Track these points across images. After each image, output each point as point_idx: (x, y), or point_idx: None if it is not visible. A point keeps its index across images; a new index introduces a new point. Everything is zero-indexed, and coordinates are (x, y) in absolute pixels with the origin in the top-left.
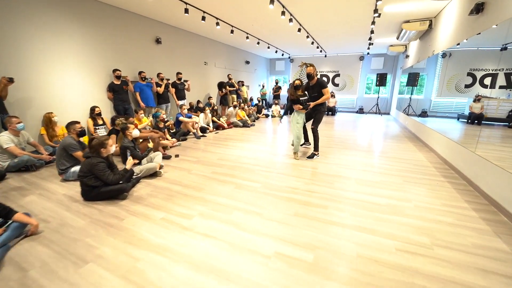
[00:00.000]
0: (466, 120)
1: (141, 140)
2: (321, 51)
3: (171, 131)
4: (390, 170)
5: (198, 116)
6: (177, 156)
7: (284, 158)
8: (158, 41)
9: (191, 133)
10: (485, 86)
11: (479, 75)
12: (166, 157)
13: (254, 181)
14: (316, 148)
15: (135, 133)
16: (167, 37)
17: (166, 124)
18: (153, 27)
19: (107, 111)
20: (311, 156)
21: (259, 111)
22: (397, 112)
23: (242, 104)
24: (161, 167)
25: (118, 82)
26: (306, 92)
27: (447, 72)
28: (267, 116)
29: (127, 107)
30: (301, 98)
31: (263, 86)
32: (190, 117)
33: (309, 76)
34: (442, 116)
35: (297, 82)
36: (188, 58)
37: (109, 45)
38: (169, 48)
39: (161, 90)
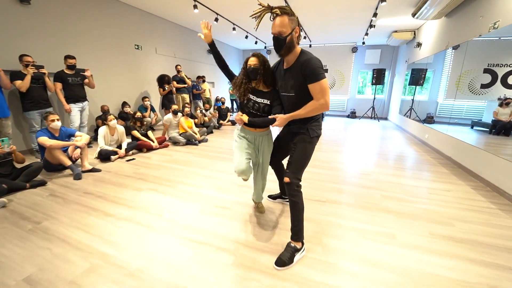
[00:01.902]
0: (487, 130)
1: None
2: (305, 37)
3: (20, 167)
4: None
5: (101, 129)
6: None
7: (225, 262)
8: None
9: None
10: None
11: (501, 72)
12: None
13: None
14: (297, 231)
15: None
16: None
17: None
18: None
19: None
20: (285, 261)
21: (222, 116)
22: (400, 118)
23: (187, 109)
24: None
25: None
26: (272, 88)
27: (458, 68)
28: (233, 123)
29: None
30: (253, 98)
31: None
32: (72, 135)
33: (280, 44)
34: (451, 123)
35: (253, 61)
36: (96, 35)
37: None
38: (49, 14)
39: (23, 85)
